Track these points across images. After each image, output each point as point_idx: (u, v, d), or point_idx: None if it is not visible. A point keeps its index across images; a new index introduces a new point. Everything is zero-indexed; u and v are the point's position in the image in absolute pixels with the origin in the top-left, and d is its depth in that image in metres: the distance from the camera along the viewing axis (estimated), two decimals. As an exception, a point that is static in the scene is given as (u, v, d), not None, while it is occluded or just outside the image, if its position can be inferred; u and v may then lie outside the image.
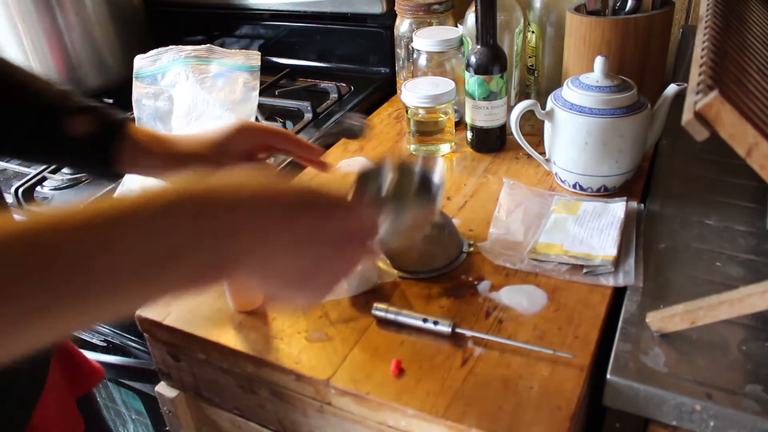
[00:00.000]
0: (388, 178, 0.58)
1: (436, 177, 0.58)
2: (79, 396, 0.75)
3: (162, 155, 0.67)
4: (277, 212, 0.42)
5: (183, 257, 0.37)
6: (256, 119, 1.01)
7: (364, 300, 0.69)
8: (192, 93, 1.03)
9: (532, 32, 1.03)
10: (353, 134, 0.81)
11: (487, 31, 0.89)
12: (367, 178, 0.57)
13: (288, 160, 0.77)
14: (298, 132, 1.09)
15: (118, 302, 0.36)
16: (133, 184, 0.90)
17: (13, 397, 0.61)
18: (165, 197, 0.38)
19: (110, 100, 1.29)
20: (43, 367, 0.68)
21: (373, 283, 0.70)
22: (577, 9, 0.93)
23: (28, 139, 0.67)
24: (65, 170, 1.04)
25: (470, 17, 0.99)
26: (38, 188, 1.00)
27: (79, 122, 0.65)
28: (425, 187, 0.59)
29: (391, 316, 0.65)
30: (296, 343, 0.65)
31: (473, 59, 0.91)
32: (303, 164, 0.76)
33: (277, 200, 0.43)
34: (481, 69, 0.90)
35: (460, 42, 1.01)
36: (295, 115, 1.16)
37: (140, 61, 1.07)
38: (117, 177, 0.67)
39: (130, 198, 0.37)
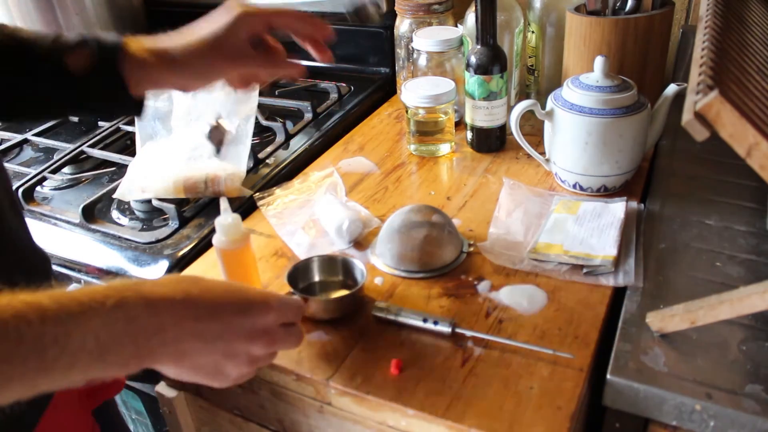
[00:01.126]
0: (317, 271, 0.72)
1: (361, 265, 0.69)
2: (96, 407, 0.74)
3: (163, 67, 0.64)
4: (198, 312, 0.49)
5: (113, 352, 0.44)
6: (256, 119, 1.01)
7: (364, 300, 0.69)
8: (192, 93, 1.03)
9: (532, 32, 1.03)
10: (366, 15, 0.78)
11: (487, 31, 0.89)
12: (297, 272, 0.70)
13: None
14: (297, 132, 1.09)
15: (60, 381, 0.43)
16: (147, 156, 0.90)
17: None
18: (112, 296, 0.45)
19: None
20: None
21: (359, 232, 0.78)
22: (577, 9, 0.93)
23: (39, 95, 0.64)
24: (65, 170, 1.04)
25: (470, 17, 0.99)
26: (38, 188, 1.00)
27: (78, 57, 0.62)
28: (351, 274, 0.71)
29: (391, 316, 0.65)
30: (296, 343, 0.65)
31: (473, 59, 0.91)
32: (304, 46, 0.71)
33: (200, 301, 0.49)
34: (481, 69, 0.90)
35: (460, 42, 1.01)
36: (295, 115, 1.16)
37: (140, 62, 1.07)
38: (137, 107, 0.66)
39: (83, 296, 0.44)
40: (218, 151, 0.93)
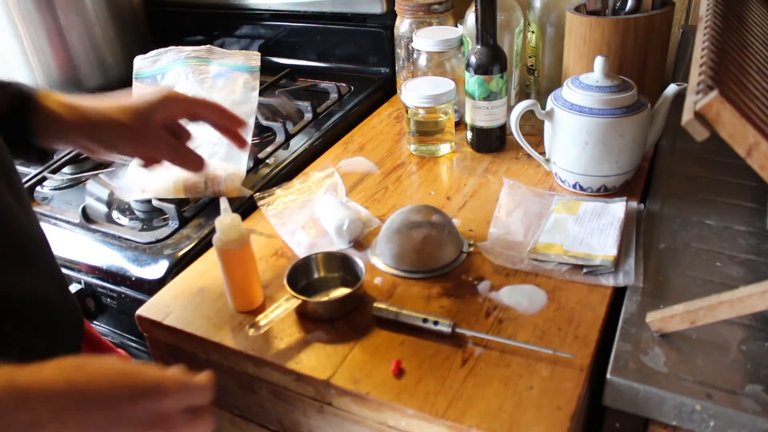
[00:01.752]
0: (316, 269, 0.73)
1: (359, 262, 0.70)
2: None
3: (74, 123, 0.65)
4: (82, 401, 0.45)
5: None
6: (256, 119, 1.01)
7: (364, 300, 0.69)
8: (192, 93, 1.03)
9: (532, 32, 1.03)
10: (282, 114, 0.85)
11: (487, 31, 0.89)
12: (296, 272, 0.71)
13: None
14: (297, 132, 1.09)
15: None
16: (136, 177, 0.90)
17: None
18: None
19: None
20: (75, 351, 0.69)
21: (359, 232, 0.79)
22: (577, 9, 0.93)
23: None
24: (65, 170, 1.04)
25: (470, 17, 0.99)
26: (38, 188, 1.00)
27: None
28: (350, 270, 0.72)
29: (391, 316, 0.65)
30: (296, 343, 0.65)
31: (473, 59, 0.91)
32: (223, 135, 0.75)
33: (85, 389, 0.45)
34: (481, 69, 0.90)
35: (460, 42, 1.01)
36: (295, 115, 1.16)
37: (140, 62, 1.07)
38: (43, 154, 0.67)
39: None
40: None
